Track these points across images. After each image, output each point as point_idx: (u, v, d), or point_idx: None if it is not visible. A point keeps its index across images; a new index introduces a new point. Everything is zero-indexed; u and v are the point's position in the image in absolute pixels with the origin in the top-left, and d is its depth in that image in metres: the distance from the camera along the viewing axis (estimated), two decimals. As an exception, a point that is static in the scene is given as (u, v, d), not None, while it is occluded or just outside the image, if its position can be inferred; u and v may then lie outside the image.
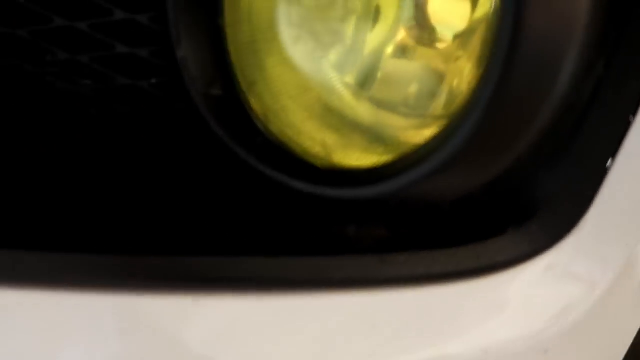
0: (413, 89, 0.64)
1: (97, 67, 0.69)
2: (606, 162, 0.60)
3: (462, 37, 0.61)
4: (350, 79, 0.65)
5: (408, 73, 0.63)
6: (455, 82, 0.63)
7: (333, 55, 0.65)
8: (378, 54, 0.64)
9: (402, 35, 0.63)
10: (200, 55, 0.68)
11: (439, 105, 0.63)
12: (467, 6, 0.61)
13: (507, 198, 0.62)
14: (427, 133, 0.62)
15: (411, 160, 0.56)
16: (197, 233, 0.63)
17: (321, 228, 0.63)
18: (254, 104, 0.68)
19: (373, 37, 0.64)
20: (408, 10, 0.62)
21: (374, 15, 0.64)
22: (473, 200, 0.61)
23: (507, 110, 0.53)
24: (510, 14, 0.50)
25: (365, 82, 0.65)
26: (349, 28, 0.65)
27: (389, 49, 0.64)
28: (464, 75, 0.62)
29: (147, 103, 0.70)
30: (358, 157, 0.65)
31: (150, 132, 0.74)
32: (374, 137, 0.65)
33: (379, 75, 0.64)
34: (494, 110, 0.52)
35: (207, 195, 0.67)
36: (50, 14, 0.68)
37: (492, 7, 0.60)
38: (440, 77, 0.63)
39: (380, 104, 0.64)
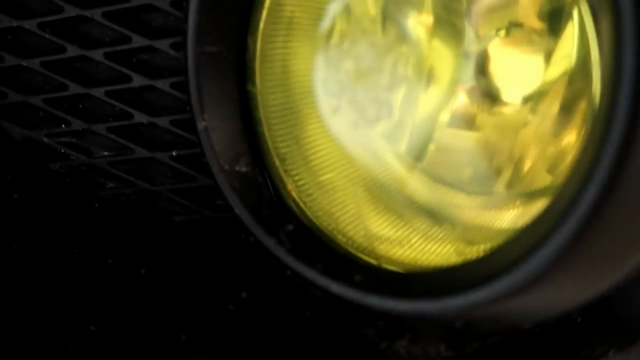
0: (473, 161, 0.49)
1: (114, 137, 0.59)
2: None
3: (533, 100, 0.47)
4: (401, 148, 0.51)
5: (467, 143, 0.49)
6: (524, 153, 0.48)
7: (380, 125, 0.51)
8: (431, 121, 0.50)
9: (459, 98, 0.49)
10: (226, 126, 0.54)
11: (504, 181, 0.49)
12: (540, 62, 0.47)
13: (608, 314, 0.43)
14: (495, 215, 0.48)
15: (483, 268, 0.38)
16: (197, 342, 0.45)
17: (363, 342, 0.44)
18: (287, 181, 0.54)
19: (425, 103, 0.50)
20: (467, 69, 0.48)
21: (427, 77, 0.49)
22: (564, 316, 0.42)
23: (626, 206, 0.34)
24: (629, 76, 0.32)
25: (418, 152, 0.51)
26: (398, 96, 0.51)
27: (444, 116, 0.49)
28: (535, 144, 0.48)
29: (167, 177, 0.59)
30: (415, 245, 0.50)
31: (169, 208, 0.60)
32: (432, 217, 0.50)
33: (432, 146, 0.50)
34: (608, 205, 0.33)
35: (221, 291, 0.49)
36: (64, 80, 0.58)
37: (574, 62, 0.46)
38: (506, 147, 0.49)
39: (437, 178, 0.50)
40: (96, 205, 0.59)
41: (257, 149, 0.53)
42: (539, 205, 0.47)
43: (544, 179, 0.48)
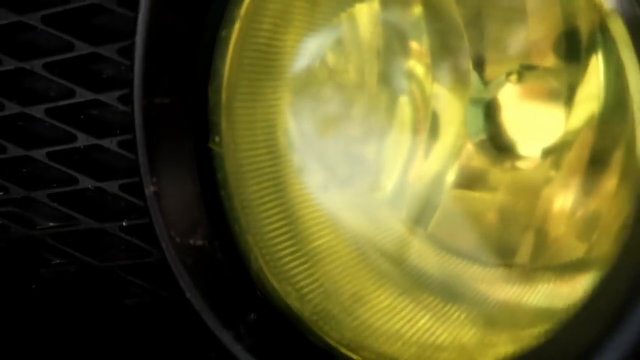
0: (487, 228, 0.40)
1: (57, 206, 0.50)
2: None
3: (555, 152, 0.39)
4: (401, 213, 0.42)
5: (479, 206, 0.40)
6: (548, 217, 0.39)
7: (378, 190, 0.42)
8: (436, 181, 0.41)
9: (467, 154, 0.40)
10: (179, 191, 0.43)
11: (526, 250, 0.39)
12: (560, 107, 0.38)
13: None
14: (521, 291, 0.38)
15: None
16: None
17: None
18: (255, 256, 0.43)
19: (428, 160, 0.41)
20: (475, 120, 0.39)
21: (429, 129, 0.40)
22: None
23: None
24: None
25: (421, 218, 0.41)
26: (382, 151, 0.41)
27: (451, 176, 0.40)
28: (560, 205, 0.39)
29: (118, 251, 0.49)
30: (419, 333, 0.39)
31: (119, 288, 0.50)
32: (443, 292, 0.40)
33: (438, 211, 0.41)
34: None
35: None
36: (3, 141, 0.50)
37: (603, 101, 0.37)
38: (526, 210, 0.39)
39: (446, 247, 0.41)
40: (34, 287, 0.47)
41: (217, 217, 0.43)
42: (579, 282, 0.37)
43: (576, 249, 0.39)
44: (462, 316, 0.39)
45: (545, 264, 0.39)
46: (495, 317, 0.38)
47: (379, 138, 0.41)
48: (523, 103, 0.39)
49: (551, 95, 0.38)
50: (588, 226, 0.38)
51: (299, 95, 0.41)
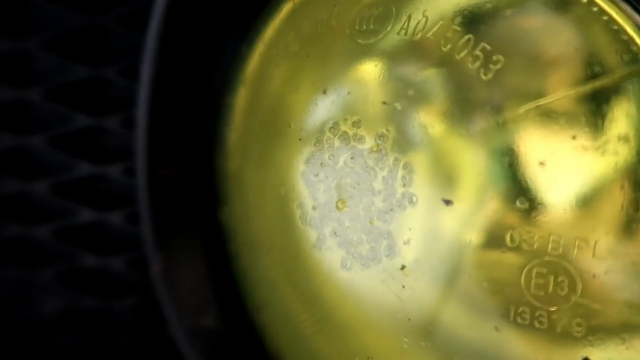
0: (519, 286, 0.35)
1: (59, 285, 0.46)
2: None
3: (589, 198, 0.34)
4: (430, 280, 0.37)
5: (509, 264, 0.35)
6: (586, 270, 0.34)
7: (400, 261, 0.36)
8: (462, 243, 0.36)
9: (492, 208, 0.35)
10: (187, 268, 0.39)
11: (568, 309, 0.34)
12: (588, 154, 0.34)
13: None
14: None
15: None
16: None
17: None
18: (272, 336, 0.39)
19: (447, 221, 0.36)
20: (494, 171, 0.35)
21: (444, 186, 0.36)
22: None
23: None
24: None
25: (449, 282, 0.37)
26: (403, 221, 0.37)
27: (476, 235, 0.35)
28: (600, 256, 0.34)
29: (123, 330, 0.45)
30: None
31: None
32: None
33: (467, 275, 0.36)
34: None
35: None
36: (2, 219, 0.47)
37: (636, 148, 0.32)
38: (561, 267, 0.34)
39: (480, 310, 0.36)
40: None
41: (229, 294, 0.39)
42: None
43: (631, 302, 0.34)
44: None
45: (600, 326, 0.34)
46: None
47: (399, 203, 0.37)
48: (546, 150, 0.35)
49: (577, 140, 0.34)
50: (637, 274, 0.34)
51: (312, 162, 0.37)
